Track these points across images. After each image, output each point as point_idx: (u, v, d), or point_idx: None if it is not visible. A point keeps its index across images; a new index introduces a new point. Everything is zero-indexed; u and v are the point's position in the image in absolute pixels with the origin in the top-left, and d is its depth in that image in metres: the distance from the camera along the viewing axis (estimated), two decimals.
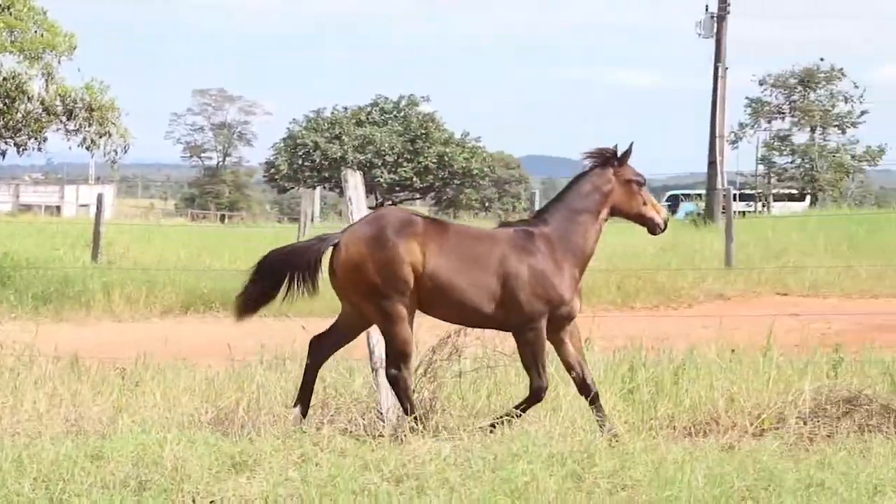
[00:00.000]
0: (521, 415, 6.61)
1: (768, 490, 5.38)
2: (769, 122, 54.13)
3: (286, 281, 6.73)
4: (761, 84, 53.50)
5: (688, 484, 5.29)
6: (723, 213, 24.69)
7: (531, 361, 6.65)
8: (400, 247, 6.48)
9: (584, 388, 6.68)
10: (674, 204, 39.37)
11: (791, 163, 53.21)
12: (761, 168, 55.52)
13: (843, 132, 52.22)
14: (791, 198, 51.40)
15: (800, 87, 52.60)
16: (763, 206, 51.04)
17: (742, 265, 18.87)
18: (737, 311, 13.95)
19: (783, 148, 53.22)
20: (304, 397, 6.73)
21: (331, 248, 6.65)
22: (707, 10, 32.16)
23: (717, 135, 31.12)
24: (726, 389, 7.14)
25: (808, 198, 50.37)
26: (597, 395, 6.64)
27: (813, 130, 52.08)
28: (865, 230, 23.40)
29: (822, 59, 52.61)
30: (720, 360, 7.65)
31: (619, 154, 6.90)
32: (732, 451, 6.25)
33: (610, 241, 23.14)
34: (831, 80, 52.31)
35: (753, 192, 52.96)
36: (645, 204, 6.95)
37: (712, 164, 30.93)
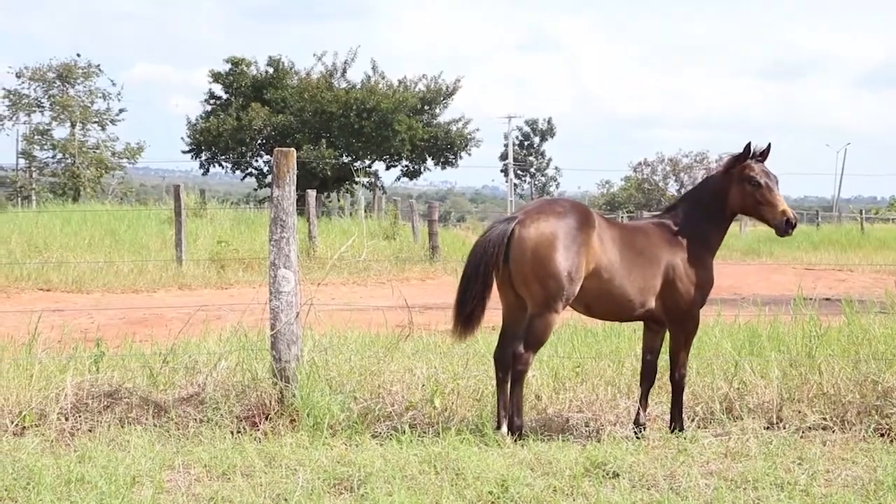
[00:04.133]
0: (681, 413, 6.85)
1: (27, 489, 5.30)
2: (28, 115, 52.82)
3: (492, 272, 6.46)
4: (19, 76, 52.01)
5: None
6: None
7: (684, 349, 6.82)
8: (584, 237, 6.38)
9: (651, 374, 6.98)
10: None
11: (52, 157, 52.44)
12: (22, 162, 54.03)
13: (103, 129, 52.80)
14: None
15: (58, 82, 52.08)
16: (24, 199, 49.70)
17: (4, 260, 18.27)
18: None
19: (44, 142, 52.28)
20: (505, 410, 6.58)
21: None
22: None
23: None
24: None
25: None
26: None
27: (73, 126, 51.82)
28: (127, 226, 23.99)
29: (78, 55, 52.66)
30: None
31: (745, 153, 6.77)
32: None
33: None
34: (89, 77, 52.60)
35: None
36: (762, 204, 6.72)
37: None
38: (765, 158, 6.88)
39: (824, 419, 6.92)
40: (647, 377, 6.94)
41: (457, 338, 6.71)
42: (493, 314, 6.78)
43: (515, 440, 6.44)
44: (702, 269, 6.73)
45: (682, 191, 67.43)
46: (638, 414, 6.83)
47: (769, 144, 6.89)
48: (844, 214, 57.32)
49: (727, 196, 6.84)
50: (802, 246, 30.63)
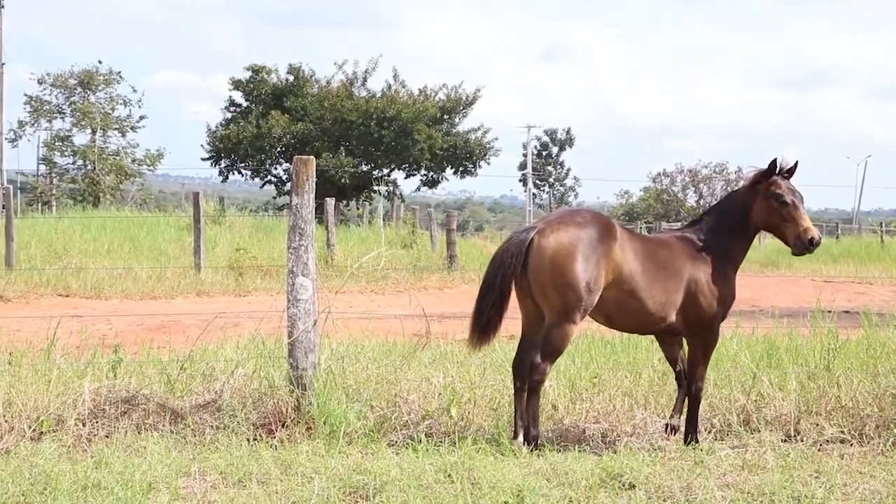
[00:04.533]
0: (696, 426, 6.81)
1: (44, 494, 5.32)
2: (50, 121, 53.12)
3: (510, 282, 6.44)
4: (40, 83, 52.33)
5: None
6: (2, 210, 23.60)
7: (702, 362, 6.79)
8: (604, 248, 6.34)
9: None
10: None
11: (73, 164, 52.73)
12: (43, 168, 54.33)
13: (124, 135, 53.03)
14: None
15: (80, 89, 52.39)
16: (45, 205, 49.98)
17: (24, 266, 18.38)
18: (18, 314, 13.51)
19: (64, 149, 52.56)
20: (521, 419, 6.51)
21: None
22: None
23: None
24: (5, 393, 6.88)
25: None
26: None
27: (94, 132, 52.08)
28: (146, 233, 24.11)
29: (100, 62, 52.95)
30: None
31: (771, 169, 6.73)
32: (9, 456, 6.09)
33: None
34: (110, 84, 52.91)
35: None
36: (786, 221, 6.71)
37: None
38: (791, 175, 6.85)
39: (842, 432, 6.89)
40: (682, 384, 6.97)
41: (472, 347, 6.70)
42: (510, 323, 6.78)
43: (532, 450, 6.43)
44: (724, 284, 6.69)
45: (702, 202, 67.17)
46: (671, 417, 6.92)
47: (796, 162, 6.84)
48: (864, 227, 56.98)
49: (751, 211, 6.81)
50: (822, 258, 30.47)
